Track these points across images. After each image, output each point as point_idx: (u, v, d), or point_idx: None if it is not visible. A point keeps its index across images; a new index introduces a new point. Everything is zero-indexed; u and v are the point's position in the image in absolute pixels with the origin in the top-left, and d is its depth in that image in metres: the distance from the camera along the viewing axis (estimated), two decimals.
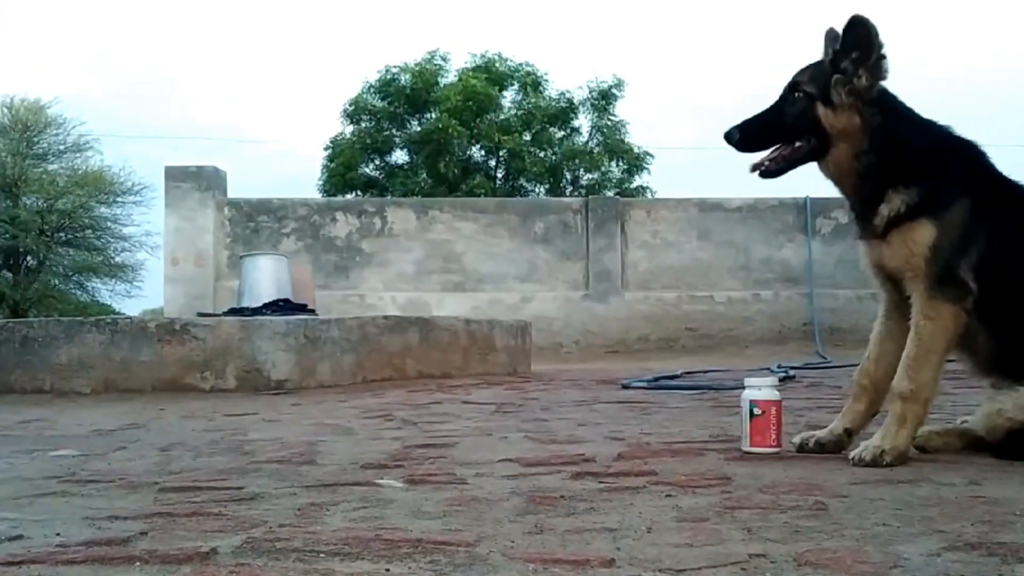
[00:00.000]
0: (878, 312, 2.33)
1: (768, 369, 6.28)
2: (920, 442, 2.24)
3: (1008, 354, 2.16)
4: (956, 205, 2.11)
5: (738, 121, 2.24)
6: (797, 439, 2.34)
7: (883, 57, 2.14)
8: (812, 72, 2.20)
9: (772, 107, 2.23)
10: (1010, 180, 2.24)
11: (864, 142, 2.15)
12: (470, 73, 21.46)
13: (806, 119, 2.17)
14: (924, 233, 2.09)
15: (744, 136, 2.23)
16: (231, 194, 13.09)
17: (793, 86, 2.21)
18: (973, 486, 1.84)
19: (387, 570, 1.28)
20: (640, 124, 51.67)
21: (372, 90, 22.11)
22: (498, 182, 22.11)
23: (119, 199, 25.70)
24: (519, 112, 22.01)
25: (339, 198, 19.78)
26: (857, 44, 2.14)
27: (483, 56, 22.38)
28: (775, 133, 2.22)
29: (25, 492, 1.98)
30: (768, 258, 12.03)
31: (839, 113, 2.14)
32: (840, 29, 2.17)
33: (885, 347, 2.26)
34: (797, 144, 2.21)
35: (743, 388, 2.34)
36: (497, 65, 22.23)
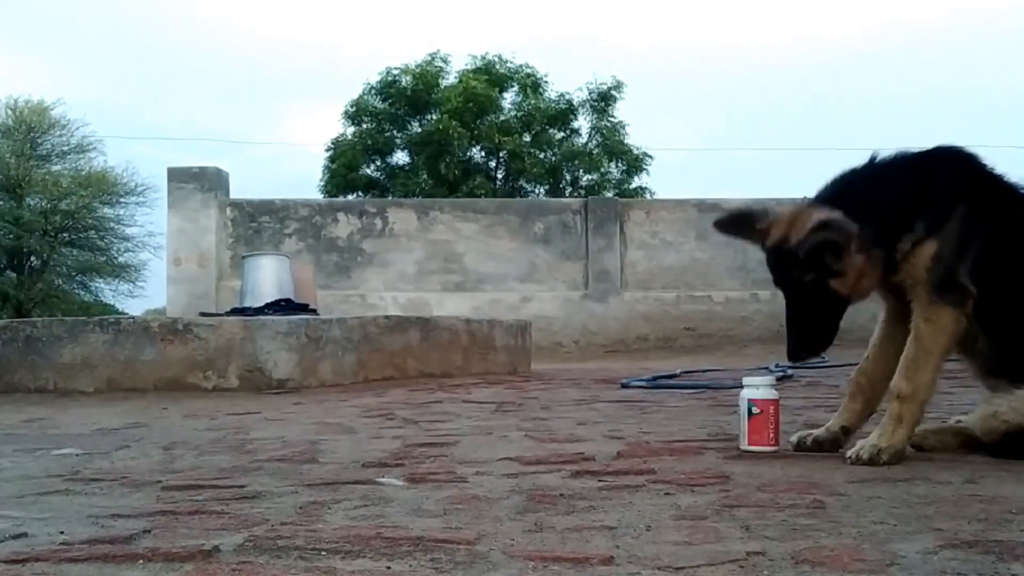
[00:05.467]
0: (879, 316, 2.34)
1: (766, 368, 6.28)
2: (916, 440, 2.25)
3: (1004, 358, 2.18)
4: (951, 215, 2.13)
5: (792, 344, 2.19)
6: (795, 438, 2.35)
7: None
8: (803, 264, 2.14)
9: (795, 308, 2.19)
10: (1003, 181, 2.25)
11: (872, 250, 2.13)
12: (470, 75, 21.47)
13: (828, 295, 2.14)
14: (927, 249, 2.12)
15: (808, 346, 2.20)
16: (233, 195, 13.10)
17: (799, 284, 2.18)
18: (970, 484, 1.85)
19: (388, 568, 1.29)
20: (639, 125, 51.74)
21: (373, 91, 22.14)
22: (498, 183, 22.11)
23: (122, 200, 25.73)
24: (519, 113, 22.02)
25: (340, 199, 19.79)
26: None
27: (483, 58, 22.41)
28: (820, 325, 2.19)
29: (29, 490, 1.99)
30: (766, 258, 12.04)
31: (848, 273, 2.12)
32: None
33: (885, 350, 2.28)
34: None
35: (741, 387, 2.35)
36: (497, 67, 22.24)
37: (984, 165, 2.25)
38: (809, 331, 2.19)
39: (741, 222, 2.32)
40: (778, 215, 2.22)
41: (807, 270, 2.12)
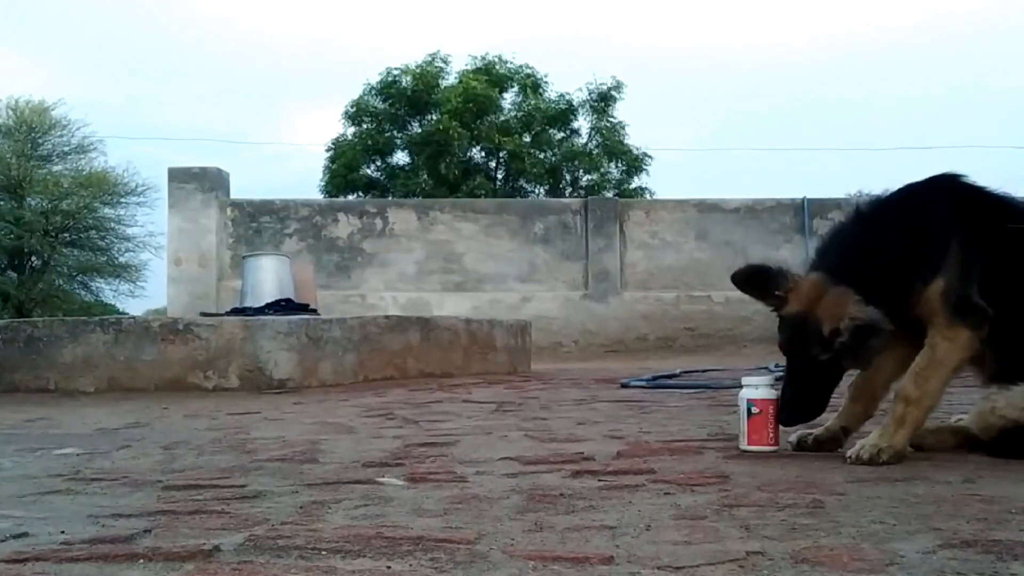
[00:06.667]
0: None
1: (766, 368, 6.28)
2: (914, 440, 2.26)
3: (1007, 367, 2.21)
4: (949, 250, 2.15)
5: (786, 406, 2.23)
6: (794, 437, 2.36)
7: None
8: (823, 344, 2.16)
9: (801, 378, 2.22)
10: (993, 198, 2.26)
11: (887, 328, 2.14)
12: (470, 75, 21.47)
13: (836, 372, 2.19)
14: (935, 287, 2.14)
15: (806, 416, 2.24)
16: (234, 195, 13.11)
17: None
18: (969, 484, 1.85)
19: (388, 567, 1.29)
20: (639, 125, 51.78)
21: (373, 92, 22.14)
22: (498, 183, 22.11)
23: (123, 200, 25.67)
24: (519, 114, 22.03)
25: (341, 199, 19.81)
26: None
27: (483, 58, 22.41)
28: (820, 397, 2.21)
29: (30, 490, 1.99)
30: (766, 259, 11.97)
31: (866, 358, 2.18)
32: None
33: (886, 356, 2.29)
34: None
35: (741, 387, 2.35)
36: (497, 67, 22.24)
37: (972, 188, 2.26)
38: (809, 402, 2.21)
39: (759, 281, 2.29)
40: (798, 283, 2.21)
41: (826, 350, 2.13)
